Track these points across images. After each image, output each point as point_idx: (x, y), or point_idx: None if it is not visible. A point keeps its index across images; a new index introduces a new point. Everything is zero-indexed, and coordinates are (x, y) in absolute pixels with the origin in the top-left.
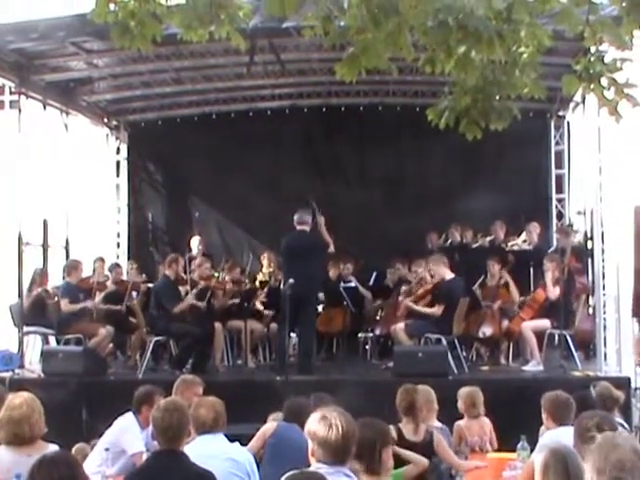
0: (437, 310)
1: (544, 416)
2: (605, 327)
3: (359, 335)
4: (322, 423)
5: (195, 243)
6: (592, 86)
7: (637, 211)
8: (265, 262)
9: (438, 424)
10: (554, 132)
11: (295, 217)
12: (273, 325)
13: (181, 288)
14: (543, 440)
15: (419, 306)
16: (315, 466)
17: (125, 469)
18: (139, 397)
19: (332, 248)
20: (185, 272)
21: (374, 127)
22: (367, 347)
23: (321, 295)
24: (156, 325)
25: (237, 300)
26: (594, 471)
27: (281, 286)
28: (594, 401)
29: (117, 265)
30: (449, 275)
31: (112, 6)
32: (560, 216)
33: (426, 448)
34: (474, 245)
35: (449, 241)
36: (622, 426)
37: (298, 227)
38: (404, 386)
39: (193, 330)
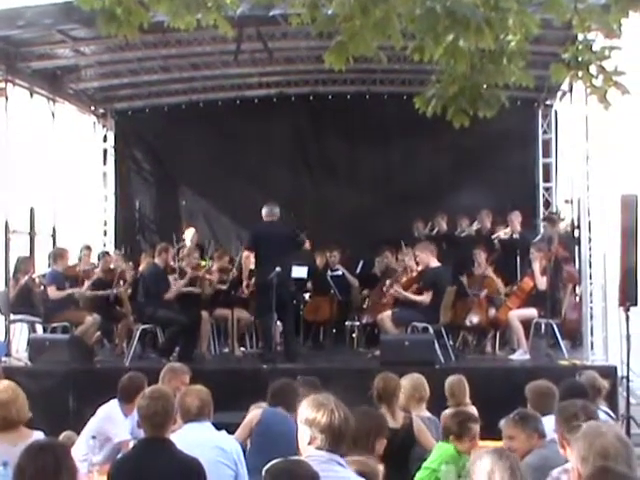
0: (426, 297)
1: (528, 406)
2: (592, 316)
3: (346, 323)
4: (322, 410)
5: (189, 235)
6: (580, 74)
7: (623, 202)
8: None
9: (427, 414)
10: (541, 121)
11: (264, 211)
12: None
13: (170, 277)
14: None
15: (407, 293)
16: (310, 453)
17: (111, 457)
18: (133, 386)
19: (307, 245)
20: (174, 261)
21: (361, 115)
22: (354, 335)
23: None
24: (143, 313)
25: (224, 287)
26: (578, 459)
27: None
28: (583, 389)
29: (106, 253)
30: (434, 263)
31: None
32: (547, 205)
33: (406, 434)
34: (462, 234)
35: (435, 230)
36: (608, 415)
37: (266, 219)
38: (378, 375)
39: (180, 318)
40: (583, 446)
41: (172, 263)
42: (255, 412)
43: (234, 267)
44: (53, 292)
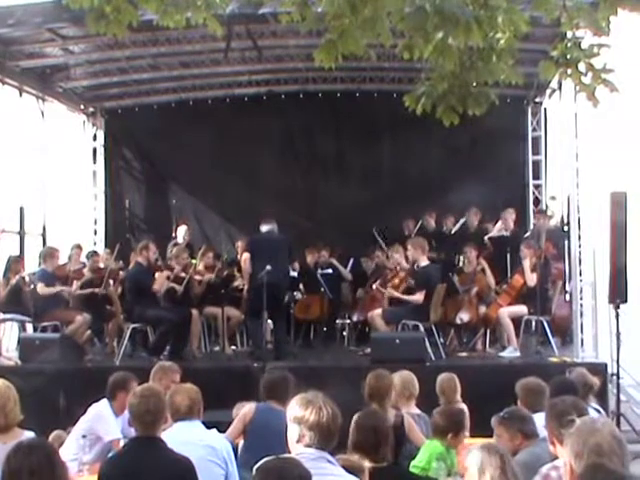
0: (419, 297)
1: (519, 403)
2: (582, 313)
3: (336, 322)
4: (310, 407)
5: (181, 232)
6: (569, 72)
7: (613, 199)
8: (240, 250)
9: (417, 411)
10: (531, 118)
11: (263, 229)
12: None
13: (157, 275)
14: None
15: (399, 293)
16: (299, 451)
17: (102, 455)
18: (114, 383)
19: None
20: (164, 259)
21: (351, 113)
22: (344, 333)
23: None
24: (132, 312)
25: (213, 280)
26: (572, 455)
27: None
28: (573, 386)
29: (95, 253)
30: (424, 261)
31: None
32: (537, 202)
33: (397, 433)
34: (452, 231)
35: (424, 228)
36: (597, 412)
37: (264, 231)
38: (371, 372)
39: (169, 316)
40: (577, 442)
41: (159, 261)
42: (248, 408)
43: (221, 262)
44: (42, 288)
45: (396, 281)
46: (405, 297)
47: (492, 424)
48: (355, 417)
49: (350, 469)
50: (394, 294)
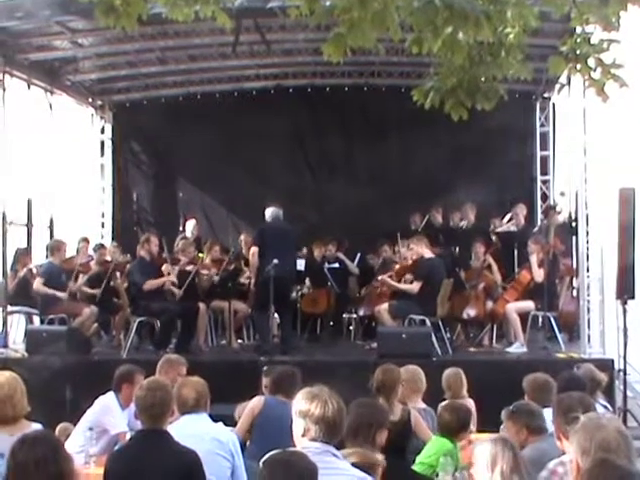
0: (414, 287)
1: (526, 398)
2: (589, 309)
3: (343, 316)
4: (315, 401)
5: (190, 227)
6: (579, 67)
7: (621, 195)
8: (244, 243)
9: (423, 405)
10: (539, 114)
11: (268, 213)
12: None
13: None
14: None
15: (397, 282)
16: (305, 444)
17: (108, 448)
18: (119, 376)
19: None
20: (171, 252)
21: (359, 108)
22: (351, 328)
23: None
24: (138, 305)
25: (218, 277)
26: (579, 451)
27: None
28: (581, 382)
29: (101, 246)
30: (428, 254)
31: None
32: (545, 198)
33: (404, 427)
34: (460, 225)
35: (431, 223)
36: (605, 408)
37: (270, 220)
38: (380, 366)
39: (172, 308)
40: (584, 438)
41: (163, 254)
42: (257, 401)
43: (229, 256)
44: (38, 285)
45: (398, 268)
46: (399, 285)
47: (502, 418)
48: None
49: (361, 465)
50: (388, 281)
